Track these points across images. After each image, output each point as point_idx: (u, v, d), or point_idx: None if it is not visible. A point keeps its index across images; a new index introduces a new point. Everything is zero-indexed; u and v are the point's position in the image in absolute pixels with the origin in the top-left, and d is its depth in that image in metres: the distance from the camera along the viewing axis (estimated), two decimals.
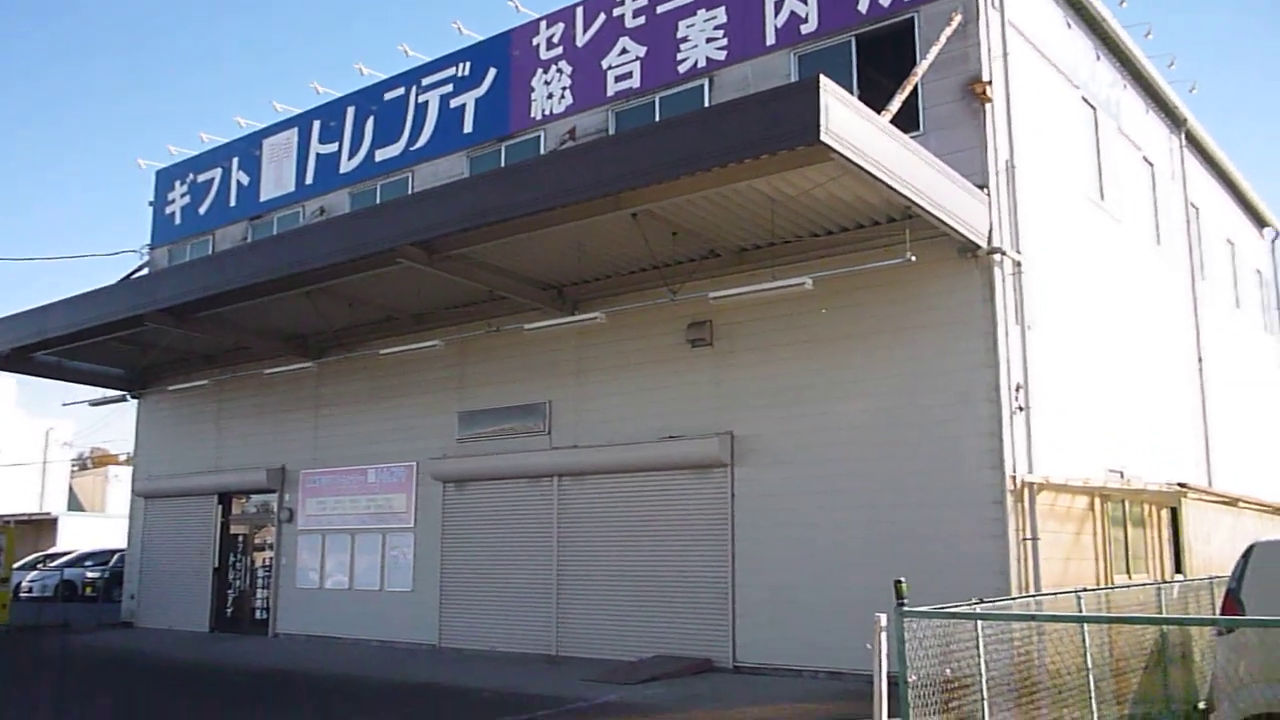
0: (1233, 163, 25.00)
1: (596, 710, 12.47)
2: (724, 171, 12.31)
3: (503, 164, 19.16)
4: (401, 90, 21.36)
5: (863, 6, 15.66)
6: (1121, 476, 16.32)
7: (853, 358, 14.94)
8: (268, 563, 22.46)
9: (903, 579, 7.10)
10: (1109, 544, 15.38)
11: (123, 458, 57.49)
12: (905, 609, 6.99)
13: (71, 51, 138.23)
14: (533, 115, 19.13)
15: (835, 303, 14.84)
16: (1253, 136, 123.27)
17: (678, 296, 15.38)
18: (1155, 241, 20.39)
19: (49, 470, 56.97)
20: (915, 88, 14.49)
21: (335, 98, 22.77)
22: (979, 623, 7.74)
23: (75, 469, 64.38)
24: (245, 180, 24.24)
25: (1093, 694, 8.81)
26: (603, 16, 18.33)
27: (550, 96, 18.89)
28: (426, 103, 20.84)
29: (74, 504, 58.47)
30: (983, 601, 8.47)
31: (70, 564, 35.04)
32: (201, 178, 25.41)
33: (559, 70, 18.82)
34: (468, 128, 20.08)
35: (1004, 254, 14.15)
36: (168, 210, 26.18)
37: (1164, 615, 10.90)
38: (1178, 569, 15.36)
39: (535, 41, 19.22)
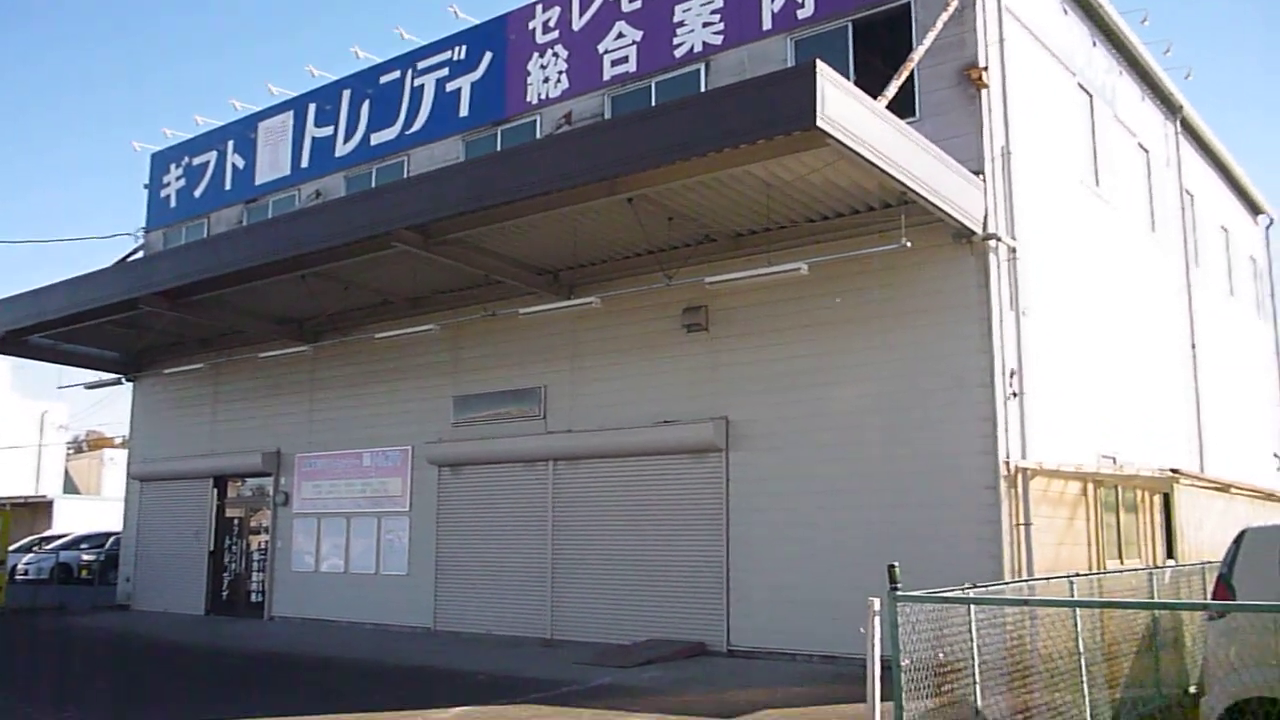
0: (1227, 150, 25.03)
1: (591, 693, 12.53)
2: (720, 156, 12.31)
3: (498, 148, 19.13)
4: (397, 74, 21.31)
5: None
6: (1114, 462, 16.38)
7: (848, 343, 14.97)
8: (263, 546, 22.50)
9: (896, 563, 7.13)
10: (1101, 529, 15.45)
11: (118, 441, 57.44)
12: (898, 593, 7.02)
13: (68, 36, 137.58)
14: (529, 99, 19.09)
15: (831, 288, 14.87)
16: (1248, 123, 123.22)
17: (673, 281, 15.39)
18: (1150, 228, 20.42)
19: (44, 453, 56.95)
20: (911, 73, 14.48)
21: (331, 81, 22.71)
22: (972, 607, 7.78)
23: (71, 452, 64.33)
24: (240, 163, 24.19)
25: (1084, 678, 8.87)
26: (599, 0, 18.28)
27: (546, 81, 18.85)
28: (422, 86, 20.79)
29: (69, 487, 58.46)
30: (976, 586, 8.50)
31: (66, 547, 35.08)
32: (197, 161, 25.35)
33: (555, 54, 18.77)
34: (463, 112, 20.04)
35: (999, 240, 14.17)
36: (163, 193, 26.12)
37: (1155, 600, 10.96)
38: (1170, 554, 15.45)
39: (531, 25, 19.17)
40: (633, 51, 17.77)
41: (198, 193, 25.16)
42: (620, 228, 15.18)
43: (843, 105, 11.38)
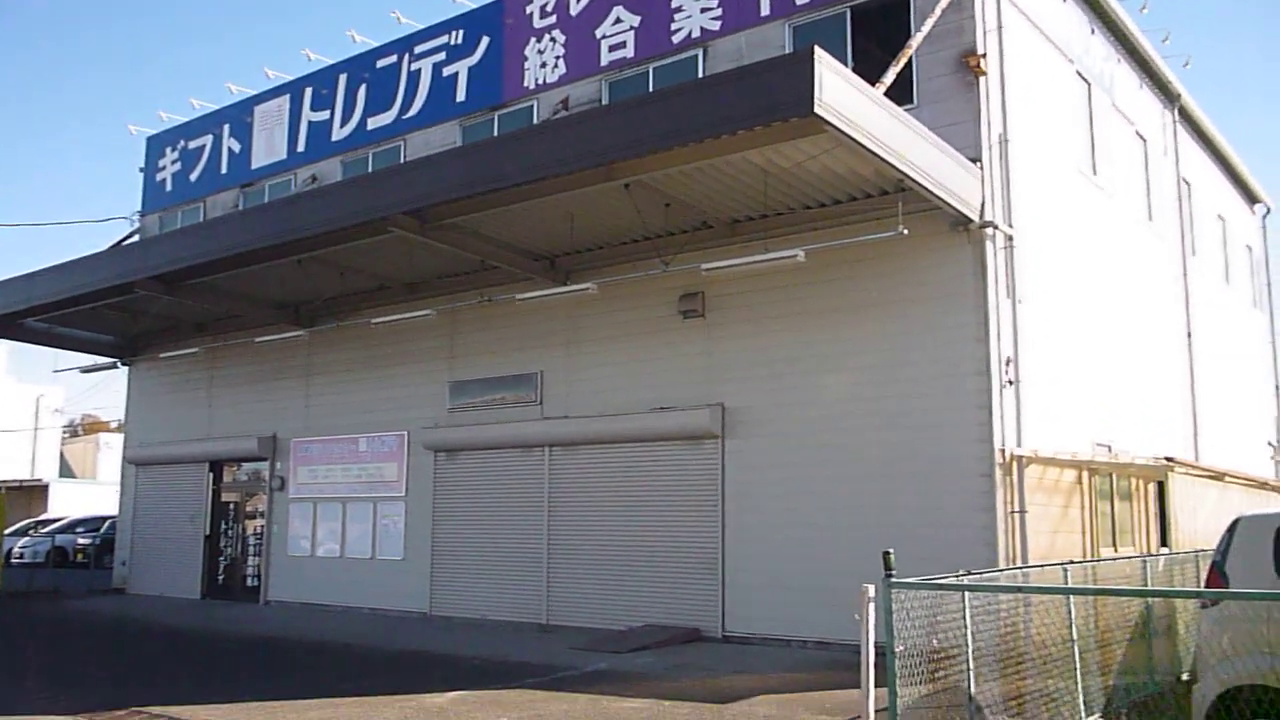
0: (1225, 139, 25.01)
1: (585, 678, 12.57)
2: (717, 143, 12.30)
3: (495, 133, 19.10)
4: (394, 58, 21.24)
5: None
6: (1109, 450, 16.42)
7: (844, 330, 14.97)
8: (259, 530, 22.51)
9: (891, 550, 7.15)
10: (1096, 517, 15.49)
11: (114, 425, 57.44)
12: (893, 580, 7.04)
13: (64, 20, 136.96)
14: (526, 84, 19.04)
15: (827, 275, 14.86)
16: (1247, 112, 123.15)
17: (670, 268, 15.39)
18: (1147, 217, 20.41)
19: (40, 437, 56.91)
20: (909, 60, 14.45)
21: (327, 65, 22.63)
22: (966, 594, 7.80)
23: (66, 436, 64.36)
24: (237, 147, 24.12)
25: (1078, 665, 8.90)
26: None
27: (543, 66, 18.80)
28: (419, 71, 20.73)
29: (65, 471, 58.48)
30: (970, 573, 8.53)
31: (61, 530, 35.11)
32: (193, 144, 25.27)
33: (552, 39, 18.71)
34: (460, 96, 19.99)
35: (996, 228, 14.16)
36: (158, 177, 26.05)
37: (1149, 588, 11.00)
38: (1164, 542, 15.49)
39: (529, 10, 19.10)
40: (630, 37, 17.72)
41: (193, 177, 25.09)
42: (617, 214, 15.16)
43: (841, 92, 11.35)
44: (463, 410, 19.05)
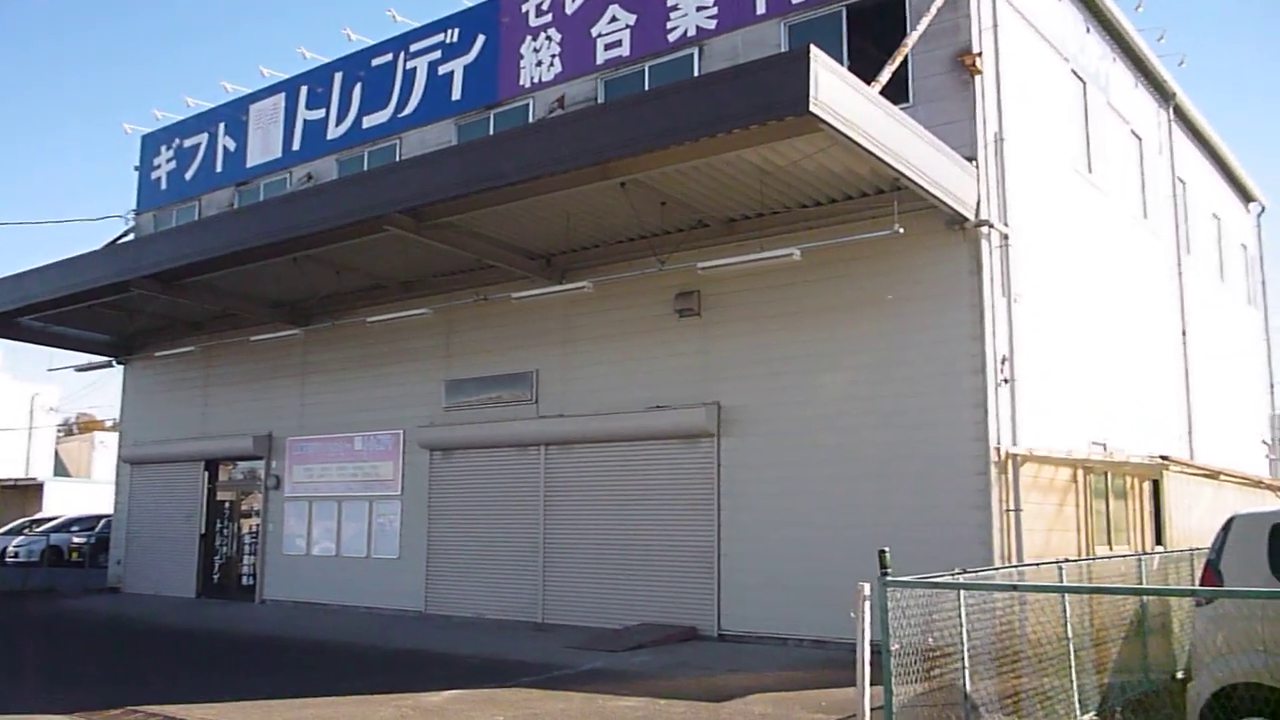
0: (1220, 137, 25.04)
1: (581, 677, 12.57)
2: (713, 141, 12.30)
3: (491, 132, 19.08)
4: (389, 56, 21.22)
5: None
6: (1104, 449, 16.44)
7: (840, 329, 14.98)
8: (254, 529, 22.50)
9: (886, 549, 7.16)
10: (1091, 515, 15.51)
11: (109, 423, 57.38)
12: (888, 578, 7.05)
13: (59, 19, 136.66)
14: (521, 83, 19.03)
15: (823, 274, 14.87)
16: (1241, 111, 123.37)
17: (666, 266, 15.39)
18: (1142, 215, 20.44)
19: (35, 435, 56.79)
20: (905, 59, 14.46)
21: (323, 63, 22.60)
22: (961, 592, 7.81)
23: (61, 434, 64.24)
24: (232, 146, 24.09)
25: (1073, 663, 8.91)
26: None
27: (539, 64, 18.79)
28: (415, 69, 20.71)
29: (60, 469, 58.37)
30: (965, 572, 8.54)
31: (56, 529, 35.00)
32: (188, 143, 25.24)
33: (548, 38, 18.70)
34: (456, 95, 19.97)
35: (991, 226, 14.17)
36: (153, 175, 26.01)
37: (1144, 586, 11.02)
38: (1159, 540, 15.51)
39: (525, 8, 19.08)
40: (626, 35, 17.71)
41: (189, 175, 25.06)
42: (613, 212, 15.16)
43: (836, 91, 11.36)
44: (458, 409, 19.04)
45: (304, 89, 22.75)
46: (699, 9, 16.91)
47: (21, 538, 34.73)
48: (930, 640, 7.48)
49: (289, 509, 21.65)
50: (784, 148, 12.68)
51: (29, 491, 45.71)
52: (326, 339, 21.06)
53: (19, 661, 14.96)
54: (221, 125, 24.42)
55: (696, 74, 16.57)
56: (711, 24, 16.78)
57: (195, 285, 19.31)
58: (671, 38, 17.19)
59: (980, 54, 14.50)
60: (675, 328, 16.46)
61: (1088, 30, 18.51)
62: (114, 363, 25.38)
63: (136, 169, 26.47)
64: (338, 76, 22.08)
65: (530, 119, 18.66)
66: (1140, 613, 10.49)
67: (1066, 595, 9.05)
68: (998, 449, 13.66)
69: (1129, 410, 18.11)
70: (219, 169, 24.33)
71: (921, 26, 14.38)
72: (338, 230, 15.81)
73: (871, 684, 7.42)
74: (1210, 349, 23.19)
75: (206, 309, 21.66)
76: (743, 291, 15.69)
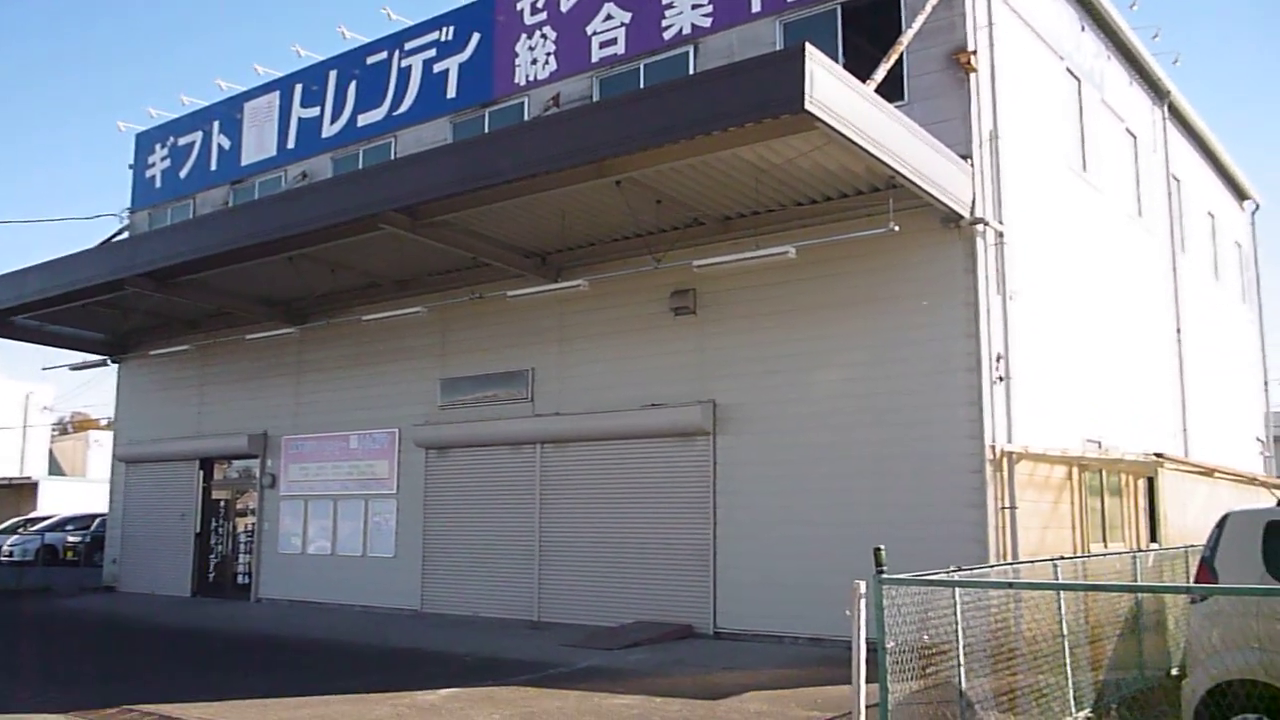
0: (1215, 135, 25.08)
1: (578, 675, 12.57)
2: (708, 140, 12.29)
3: (486, 130, 19.07)
4: (384, 54, 21.19)
5: None
6: (1099, 446, 16.46)
7: (835, 327, 14.99)
8: (250, 528, 22.48)
9: (882, 547, 7.17)
10: (1086, 513, 15.53)
11: (104, 422, 57.24)
12: (884, 576, 7.06)
13: (53, 18, 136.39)
14: (516, 81, 19.01)
15: (818, 272, 14.87)
16: (1236, 109, 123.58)
17: (661, 264, 15.38)
18: (1136, 213, 20.46)
19: (29, 434, 56.69)
20: (900, 57, 14.46)
21: (317, 61, 22.58)
22: (957, 590, 7.82)
23: (56, 433, 64.12)
24: (226, 144, 24.05)
25: (1068, 660, 8.93)
26: None
27: (534, 62, 18.77)
28: (409, 67, 20.69)
29: (55, 468, 58.26)
30: (961, 569, 8.55)
31: (51, 528, 34.97)
32: (182, 141, 25.20)
33: (543, 36, 18.69)
34: (451, 93, 19.95)
35: (986, 224, 14.19)
36: (148, 174, 25.96)
37: (1139, 583, 11.03)
38: (1153, 538, 15.55)
39: (520, 6, 19.06)
40: (621, 33, 17.70)
41: (183, 173, 25.02)
42: (608, 210, 15.15)
43: (831, 89, 11.36)
44: (454, 407, 19.03)
45: (299, 87, 22.72)
46: (694, 7, 16.90)
47: (16, 537, 34.70)
48: (926, 638, 7.49)
49: (284, 508, 21.63)
50: (779, 146, 12.68)
51: (24, 490, 45.64)
52: (322, 337, 21.04)
53: (14, 661, 14.93)
54: (216, 123, 24.38)
55: (692, 72, 16.57)
56: (707, 22, 16.78)
57: (190, 284, 19.29)
58: (666, 36, 17.18)
59: (975, 52, 14.51)
60: (671, 326, 16.46)
61: (1082, 28, 18.53)
62: (109, 361, 25.33)
63: (131, 167, 26.42)
64: (332, 74, 22.05)
65: (525, 117, 18.65)
66: (1135, 610, 10.52)
67: (1061, 592, 9.07)
68: (993, 446, 13.68)
69: (1124, 408, 18.13)
70: (214, 167, 24.30)
71: (917, 24, 14.39)
72: (333, 229, 15.79)
73: (867, 681, 7.42)
74: (1205, 346, 23.22)
75: (201, 307, 21.63)
76: (738, 289, 15.69)
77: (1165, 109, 22.36)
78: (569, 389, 17.56)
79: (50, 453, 59.86)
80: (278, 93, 23.14)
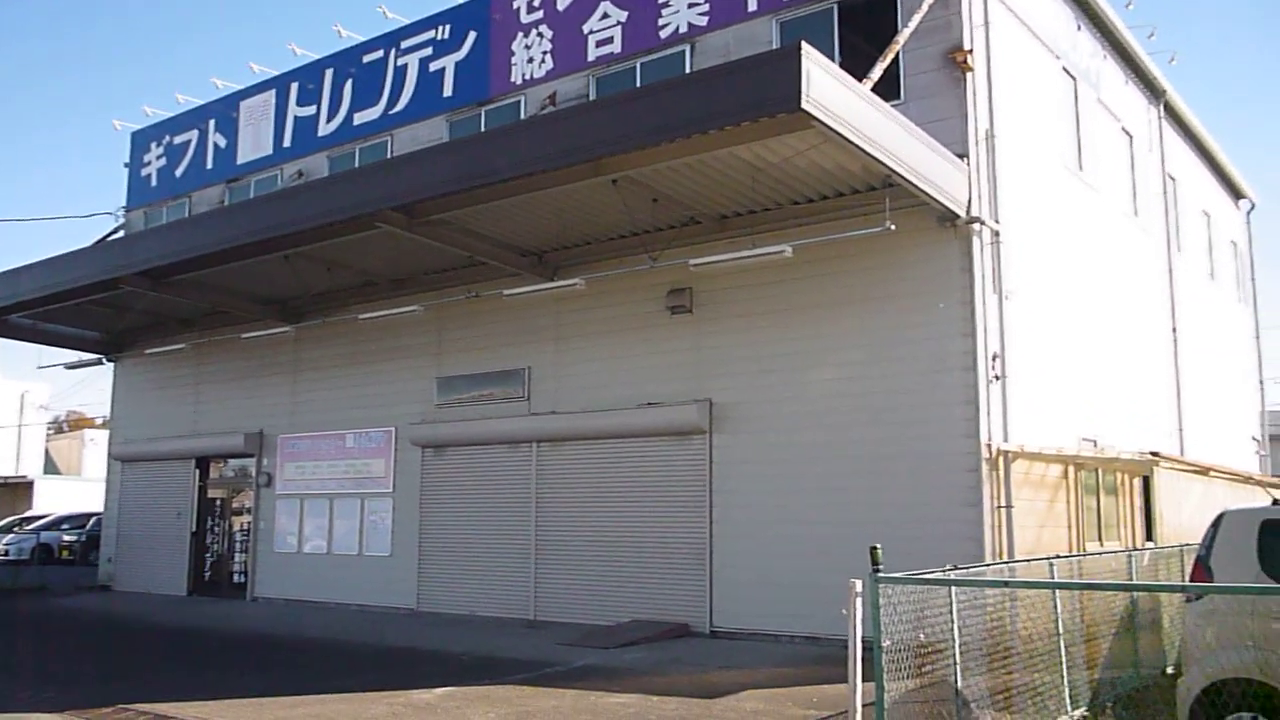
0: (1210, 134, 25.11)
1: (574, 673, 12.57)
2: (704, 138, 12.29)
3: (482, 129, 19.05)
4: (380, 53, 21.17)
5: None
6: (1095, 445, 16.48)
7: (831, 326, 14.99)
8: (246, 527, 22.45)
9: (878, 545, 7.17)
10: (1082, 512, 15.55)
11: (99, 421, 57.20)
12: (880, 575, 7.06)
13: (50, 16, 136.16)
14: (513, 80, 19.00)
15: (815, 271, 14.88)
16: (1232, 108, 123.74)
17: (658, 263, 15.38)
18: (1132, 212, 20.48)
19: (24, 433, 56.61)
20: (897, 56, 14.46)
21: (313, 60, 22.55)
22: (953, 589, 7.83)
23: (51, 432, 64.04)
24: (222, 142, 24.02)
25: (1063, 659, 8.95)
26: None
27: (531, 61, 18.76)
28: (406, 66, 20.67)
29: (50, 467, 58.17)
30: (957, 568, 8.56)
31: (47, 527, 34.93)
32: (178, 139, 25.16)
33: (540, 34, 18.68)
34: (447, 91, 19.94)
35: (982, 223, 14.19)
36: (143, 172, 25.92)
37: (1134, 582, 11.05)
38: (1149, 537, 15.56)
39: (516, 5, 19.05)
40: (617, 32, 17.69)
41: (179, 172, 24.98)
42: (605, 209, 15.15)
43: (828, 88, 11.36)
44: (450, 406, 19.02)
45: (295, 85, 22.69)
46: (690, 6, 16.90)
47: (12, 535, 34.65)
48: (922, 636, 7.49)
49: (280, 506, 21.61)
50: (776, 144, 12.68)
51: (19, 489, 45.60)
52: (318, 336, 21.02)
53: (10, 660, 14.90)
54: (212, 122, 24.35)
55: (688, 71, 16.56)
56: (703, 21, 16.78)
57: (185, 282, 19.27)
58: (663, 34, 17.18)
59: (971, 51, 14.52)
60: (667, 325, 16.46)
61: (1079, 27, 18.54)
62: (104, 360, 25.29)
63: (126, 166, 26.38)
64: (329, 73, 22.02)
65: (522, 116, 18.64)
66: (1131, 608, 10.52)
67: (1057, 591, 9.08)
68: (989, 445, 13.69)
69: (1120, 407, 18.15)
70: (209, 166, 24.26)
71: (913, 23, 14.39)
72: (329, 227, 15.78)
73: (863, 680, 7.43)
74: (1200, 346, 23.25)
75: (197, 306, 21.60)
76: (735, 288, 15.69)
77: (1161, 108, 22.38)
78: (565, 388, 17.55)
79: (46, 451, 59.78)
80: (274, 91, 23.11)
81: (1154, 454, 14.87)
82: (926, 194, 13.16)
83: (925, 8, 14.44)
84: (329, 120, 21.83)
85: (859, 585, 7.63)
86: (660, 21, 17.22)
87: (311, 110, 22.20)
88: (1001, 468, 13.80)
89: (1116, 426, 17.59)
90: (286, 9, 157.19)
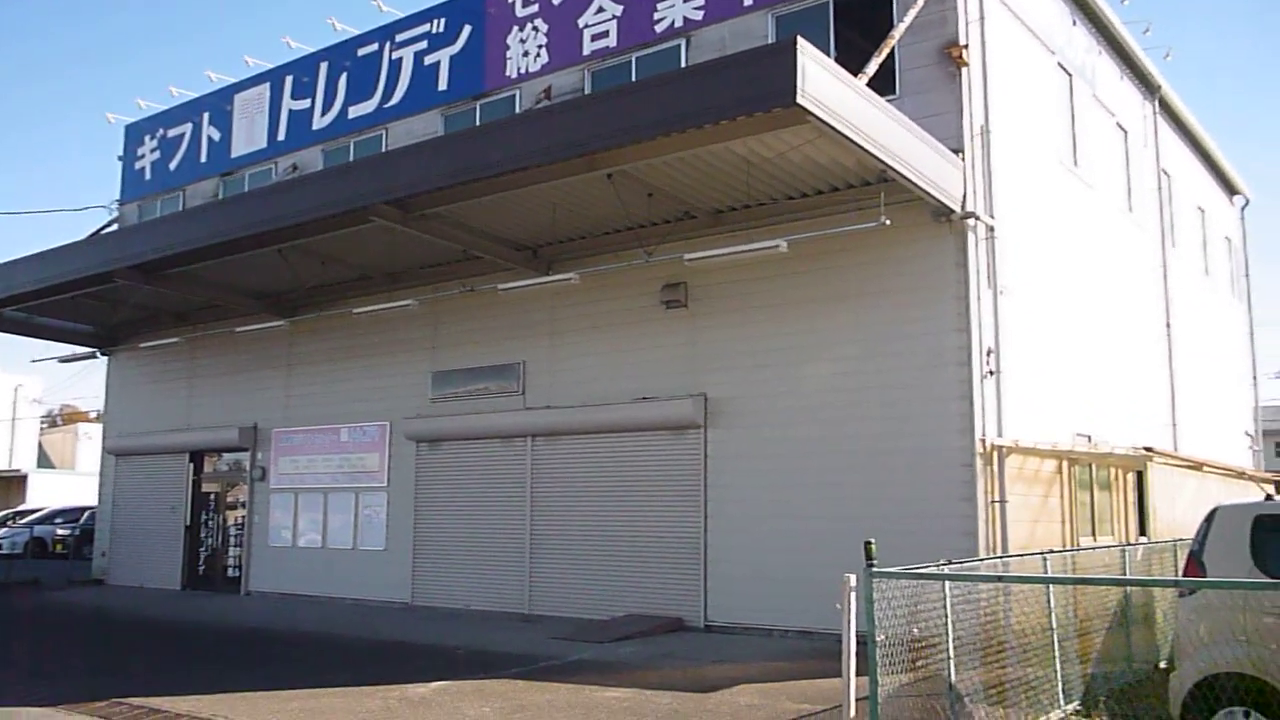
0: (1205, 130, 25.13)
1: (568, 668, 12.59)
2: (700, 133, 12.28)
3: (477, 123, 19.02)
4: (375, 46, 21.12)
5: None
6: (1089, 440, 16.51)
7: (826, 321, 15.00)
8: (240, 521, 22.42)
9: (872, 540, 7.18)
10: (1076, 507, 15.58)
11: (93, 415, 57.14)
12: (874, 570, 7.07)
13: (45, 10, 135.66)
14: (508, 74, 18.97)
15: (810, 266, 14.88)
16: (1227, 104, 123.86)
17: (653, 258, 15.38)
18: (1127, 208, 20.51)
19: (18, 427, 56.52)
20: (892, 51, 14.46)
21: (308, 53, 22.48)
22: (946, 583, 7.84)
23: (45, 426, 63.93)
24: (216, 136, 23.96)
25: (1057, 653, 8.97)
26: None
27: (526, 55, 18.73)
28: (400, 59, 20.62)
29: (44, 461, 58.12)
30: (950, 563, 8.58)
31: (40, 521, 34.86)
32: (172, 133, 25.09)
33: (535, 28, 18.64)
34: (442, 85, 19.90)
35: (977, 218, 14.20)
36: (137, 165, 25.86)
37: (1128, 577, 11.08)
38: (1142, 531, 15.59)
39: None
40: (613, 26, 17.67)
41: (173, 165, 24.92)
42: (600, 204, 15.13)
43: (823, 83, 11.36)
44: (445, 400, 19.01)
45: (289, 79, 22.63)
46: (686, 0, 16.88)
47: (5, 529, 34.58)
48: (915, 631, 7.51)
49: (275, 501, 21.59)
50: (771, 139, 12.68)
51: (13, 483, 45.51)
52: (312, 330, 21.00)
53: (3, 654, 14.89)
54: (206, 115, 24.29)
55: (683, 65, 16.54)
56: (699, 15, 16.76)
57: (179, 276, 19.23)
58: (659, 29, 17.16)
59: (967, 46, 14.52)
60: (662, 319, 16.45)
61: (1074, 23, 18.55)
62: (98, 354, 25.24)
63: (120, 159, 26.31)
64: (323, 66, 21.97)
65: (517, 110, 18.61)
66: (1124, 603, 10.55)
67: (1051, 586, 9.10)
68: (983, 441, 13.70)
69: (1114, 402, 18.19)
70: (203, 159, 24.20)
71: (908, 18, 14.39)
72: (323, 221, 15.75)
73: (857, 674, 7.45)
74: (1194, 341, 23.29)
75: (191, 300, 21.55)
76: (729, 283, 15.69)
77: (1156, 104, 22.40)
78: (560, 382, 17.55)
79: (39, 445, 59.72)
80: (268, 84, 23.06)
81: (1148, 449, 14.89)
82: (921, 189, 13.16)
83: (921, 3, 14.43)
84: (323, 114, 21.79)
85: (853, 580, 7.65)
86: (656, 16, 17.19)
87: (306, 104, 22.15)
88: (996, 463, 13.82)
89: (1111, 422, 17.62)
90: (281, 2, 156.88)
